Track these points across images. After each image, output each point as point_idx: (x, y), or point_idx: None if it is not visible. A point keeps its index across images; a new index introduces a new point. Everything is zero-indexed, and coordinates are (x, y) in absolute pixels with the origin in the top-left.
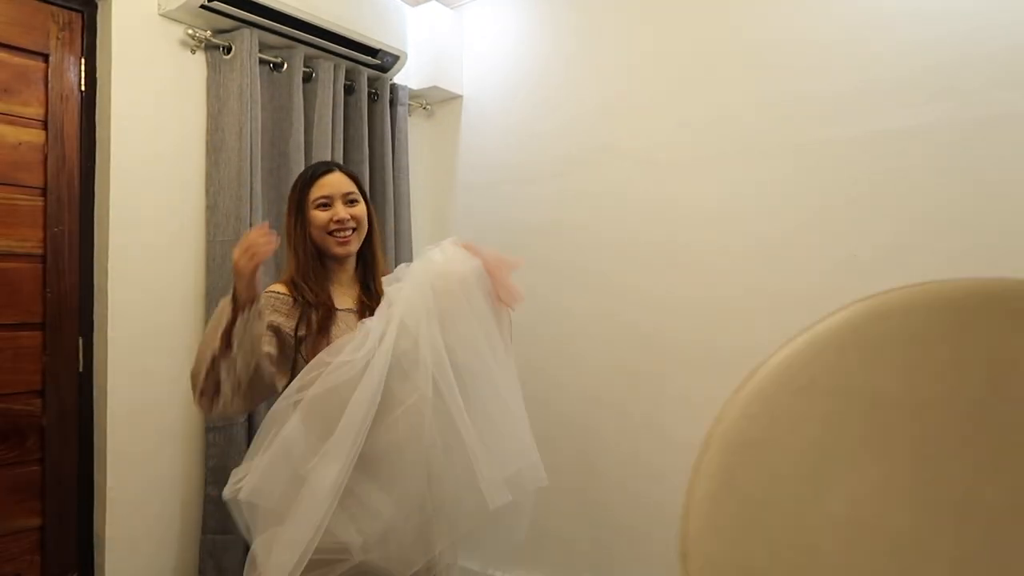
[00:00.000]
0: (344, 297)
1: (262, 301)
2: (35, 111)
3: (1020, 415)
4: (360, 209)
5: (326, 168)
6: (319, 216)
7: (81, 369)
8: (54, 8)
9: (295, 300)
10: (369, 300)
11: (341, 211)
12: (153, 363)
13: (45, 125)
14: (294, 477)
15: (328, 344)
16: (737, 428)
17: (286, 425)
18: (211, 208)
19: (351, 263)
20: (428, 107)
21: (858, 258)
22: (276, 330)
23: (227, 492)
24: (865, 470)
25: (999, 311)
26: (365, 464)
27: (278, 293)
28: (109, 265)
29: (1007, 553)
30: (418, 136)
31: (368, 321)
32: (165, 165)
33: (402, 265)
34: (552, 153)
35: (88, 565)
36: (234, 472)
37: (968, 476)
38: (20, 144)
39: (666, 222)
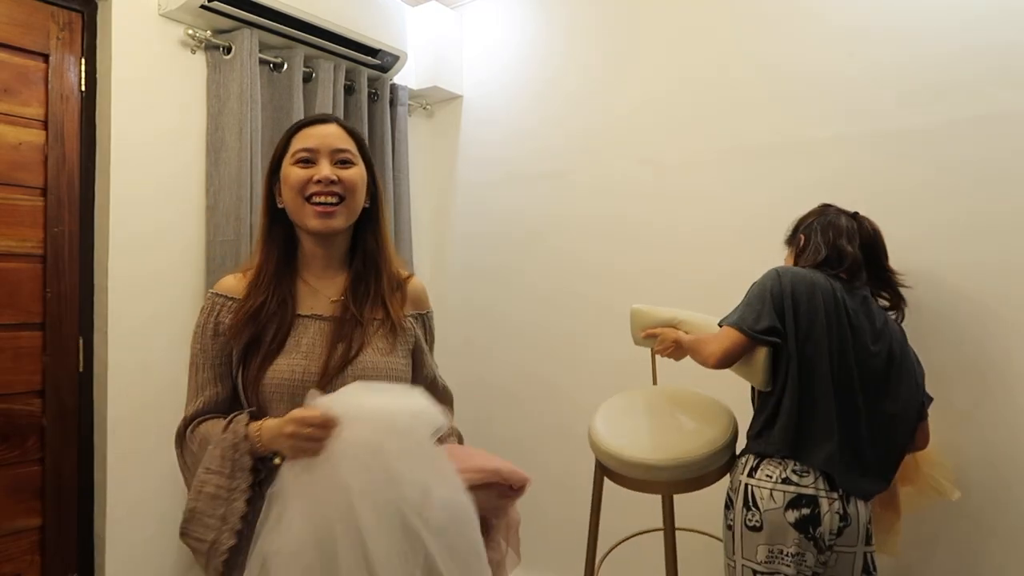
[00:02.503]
0: (317, 296)
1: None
2: (35, 111)
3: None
4: (355, 173)
5: (319, 118)
6: (295, 173)
7: (81, 369)
8: (54, 8)
9: (245, 304)
10: (357, 305)
11: (326, 170)
12: (153, 363)
13: (45, 125)
14: None
15: (273, 368)
16: (606, 407)
17: None
18: (211, 208)
19: (337, 248)
20: (428, 107)
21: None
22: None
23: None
24: (627, 415)
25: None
26: None
27: (225, 297)
28: (109, 265)
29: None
30: (418, 136)
31: None
32: (165, 165)
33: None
34: (552, 152)
35: (88, 565)
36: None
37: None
38: (20, 144)
39: (666, 219)
